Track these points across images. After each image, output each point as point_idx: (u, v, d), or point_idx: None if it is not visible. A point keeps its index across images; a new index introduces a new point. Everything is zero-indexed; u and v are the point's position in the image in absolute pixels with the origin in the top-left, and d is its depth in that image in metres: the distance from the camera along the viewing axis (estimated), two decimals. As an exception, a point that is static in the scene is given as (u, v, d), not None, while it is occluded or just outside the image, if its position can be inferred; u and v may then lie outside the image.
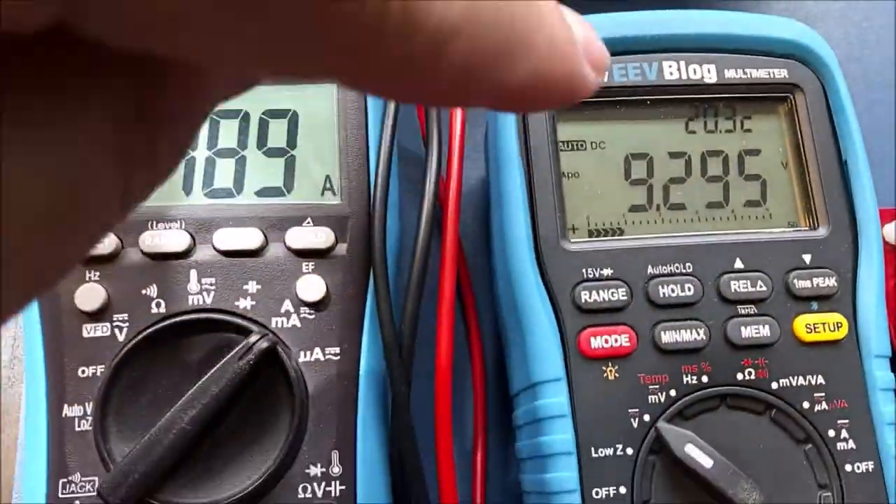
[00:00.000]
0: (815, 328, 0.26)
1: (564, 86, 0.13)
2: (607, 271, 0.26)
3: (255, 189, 0.26)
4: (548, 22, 0.13)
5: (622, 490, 0.25)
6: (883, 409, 0.26)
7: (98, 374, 0.24)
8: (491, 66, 0.12)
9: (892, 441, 0.26)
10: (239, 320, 0.25)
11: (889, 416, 0.26)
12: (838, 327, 0.27)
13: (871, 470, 0.26)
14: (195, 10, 0.09)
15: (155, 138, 0.12)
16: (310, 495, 0.24)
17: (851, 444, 0.26)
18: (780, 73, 0.28)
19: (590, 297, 0.26)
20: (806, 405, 0.26)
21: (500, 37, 0.12)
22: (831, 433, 0.26)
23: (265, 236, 0.25)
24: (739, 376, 0.26)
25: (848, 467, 0.26)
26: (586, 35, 0.14)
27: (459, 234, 0.31)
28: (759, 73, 0.28)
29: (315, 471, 0.25)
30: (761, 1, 0.36)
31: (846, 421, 0.26)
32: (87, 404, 0.24)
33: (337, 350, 0.25)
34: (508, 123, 0.27)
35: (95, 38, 0.10)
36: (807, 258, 0.27)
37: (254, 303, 0.25)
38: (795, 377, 0.26)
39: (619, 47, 0.27)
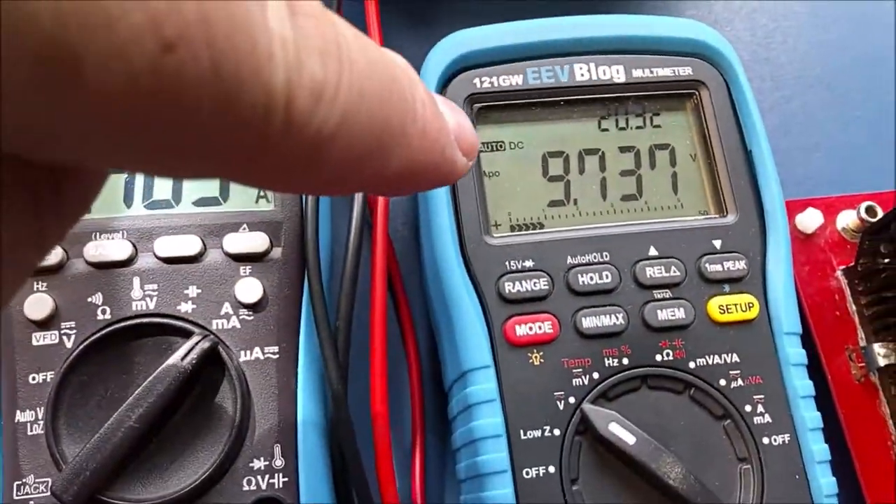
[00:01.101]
0: (727, 309, 0.28)
1: (436, 172, 0.15)
2: (529, 263, 0.27)
3: (193, 199, 0.28)
4: (420, 115, 0.14)
5: (551, 469, 0.26)
6: (796, 384, 0.28)
7: (48, 380, 0.26)
8: (367, 161, 0.13)
9: (806, 414, 0.28)
10: (181, 323, 0.26)
11: (802, 389, 0.28)
12: (750, 307, 0.28)
13: (787, 441, 0.27)
14: (97, 133, 0.11)
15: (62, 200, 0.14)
16: (254, 487, 0.26)
17: (767, 418, 0.28)
18: (685, 71, 0.30)
19: (513, 288, 0.27)
20: (723, 382, 0.28)
21: (375, 136, 0.13)
22: (748, 408, 0.28)
23: (203, 243, 0.27)
24: (658, 357, 0.27)
25: (765, 440, 0.27)
26: (458, 122, 0.16)
27: (390, 236, 0.32)
28: (665, 72, 0.30)
29: (258, 464, 0.26)
30: (670, 1, 0.38)
31: (761, 396, 0.28)
32: (38, 409, 0.26)
33: (276, 349, 0.27)
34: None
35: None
36: (717, 244, 0.29)
37: (195, 306, 0.26)
38: (711, 356, 0.28)
39: (532, 52, 0.29)
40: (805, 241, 0.34)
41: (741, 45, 0.39)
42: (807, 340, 0.32)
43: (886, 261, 0.32)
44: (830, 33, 0.40)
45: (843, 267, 0.34)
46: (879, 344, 0.32)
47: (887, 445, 0.32)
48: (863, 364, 0.33)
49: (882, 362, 0.32)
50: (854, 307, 0.34)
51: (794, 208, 0.34)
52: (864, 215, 0.34)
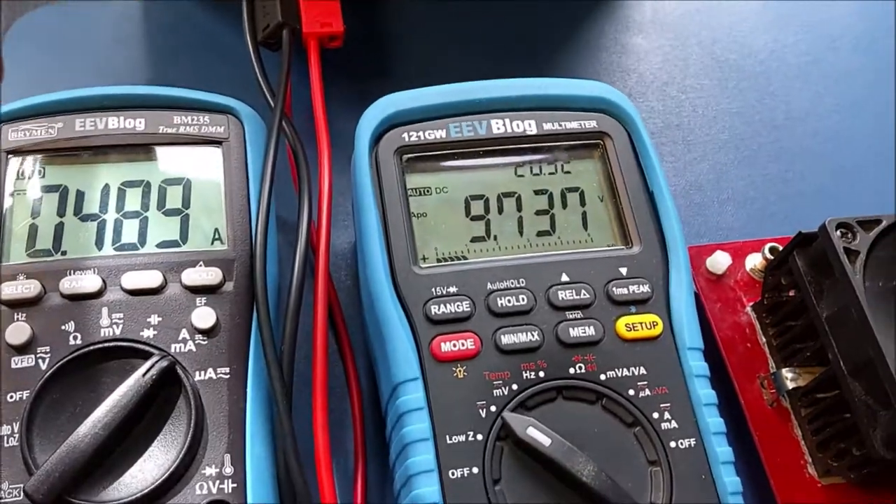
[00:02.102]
0: (634, 327, 0.31)
1: None
2: (453, 289, 0.31)
3: (156, 242, 0.32)
4: None
5: (475, 470, 0.29)
6: (700, 393, 0.31)
7: (24, 397, 0.29)
8: None
9: (710, 419, 0.31)
10: (143, 346, 0.30)
11: (705, 398, 0.31)
12: (654, 325, 0.32)
13: (693, 445, 0.30)
14: None
15: None
16: (206, 491, 0.29)
17: (674, 424, 0.31)
18: (591, 124, 0.34)
19: (438, 310, 0.31)
20: (632, 392, 0.31)
21: None
22: (655, 416, 0.31)
23: (164, 277, 0.31)
24: (572, 370, 0.31)
25: (672, 444, 0.30)
26: None
27: (335, 284, 0.36)
28: (573, 125, 0.34)
29: (210, 471, 0.29)
30: (588, 81, 0.42)
31: (668, 404, 0.31)
32: (14, 424, 0.29)
33: (227, 370, 0.30)
34: (365, 179, 0.32)
35: None
36: (623, 270, 0.32)
37: (156, 332, 0.30)
38: (621, 369, 0.31)
39: (453, 110, 0.33)
40: (717, 281, 0.38)
41: (655, 115, 0.44)
42: (721, 373, 0.36)
43: (789, 292, 0.36)
44: (735, 103, 0.45)
45: (752, 303, 0.38)
46: (787, 369, 0.35)
47: (800, 465, 0.35)
48: (773, 389, 0.36)
49: (790, 385, 0.35)
50: (763, 339, 0.37)
51: (705, 252, 0.38)
52: (767, 255, 0.38)
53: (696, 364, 0.31)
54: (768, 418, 0.35)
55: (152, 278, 0.30)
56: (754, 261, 0.38)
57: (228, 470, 0.29)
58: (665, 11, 0.48)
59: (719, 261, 0.38)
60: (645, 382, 0.31)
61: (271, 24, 0.37)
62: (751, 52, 0.47)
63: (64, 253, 0.31)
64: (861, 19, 0.49)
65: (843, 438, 0.33)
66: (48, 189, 0.32)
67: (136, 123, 0.33)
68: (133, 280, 0.30)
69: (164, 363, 0.29)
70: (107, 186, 0.32)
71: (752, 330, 0.37)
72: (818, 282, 0.34)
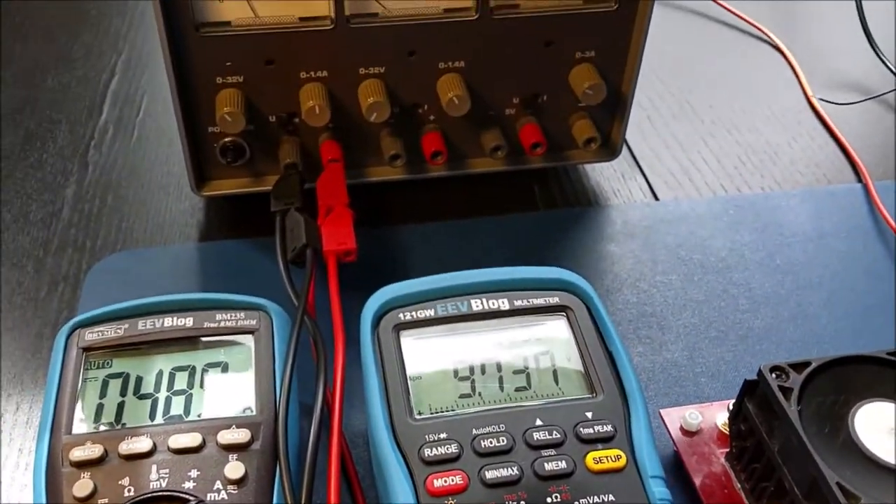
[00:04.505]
0: (601, 460, 0.36)
1: None
2: (443, 435, 0.37)
3: (198, 412, 0.38)
4: None
5: (467, 588, 0.33)
6: (663, 516, 0.36)
7: (84, 542, 0.35)
8: None
9: (674, 538, 0.35)
10: (184, 495, 0.35)
11: (668, 519, 0.36)
12: (619, 458, 0.37)
13: (661, 565, 0.35)
14: None
15: None
16: None
17: (642, 544, 0.35)
18: (554, 300, 0.41)
19: (431, 453, 0.36)
20: (603, 517, 0.35)
21: None
22: (625, 536, 0.35)
23: (203, 439, 0.37)
24: (549, 500, 0.35)
25: (641, 561, 0.34)
26: None
27: (349, 442, 0.42)
28: (539, 301, 0.41)
29: None
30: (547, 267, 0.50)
31: (636, 526, 0.35)
32: (78, 564, 0.34)
33: (255, 514, 0.36)
34: (369, 351, 0.39)
35: None
36: (589, 414, 0.38)
37: (195, 483, 0.36)
38: (592, 497, 0.36)
39: (438, 294, 0.41)
40: (692, 437, 0.43)
41: (630, 306, 0.50)
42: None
43: (749, 438, 0.41)
44: (701, 293, 0.51)
45: (724, 454, 0.42)
46: (759, 507, 0.39)
47: None
48: (751, 528, 0.39)
49: (763, 521, 0.39)
50: (738, 485, 0.41)
51: (681, 413, 0.44)
52: (730, 408, 0.43)
53: (658, 490, 0.36)
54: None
55: (194, 439, 0.37)
56: (723, 417, 0.43)
57: None
58: (633, 223, 0.56)
59: (692, 418, 0.43)
60: (614, 508, 0.36)
61: (297, 245, 0.46)
62: (711, 252, 0.54)
63: (123, 424, 0.38)
64: (808, 219, 0.57)
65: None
66: (113, 376, 0.40)
67: (186, 321, 0.41)
68: (178, 442, 0.37)
69: (201, 508, 0.35)
70: (160, 372, 0.40)
71: (727, 478, 0.42)
72: (768, 422, 0.39)
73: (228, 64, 0.50)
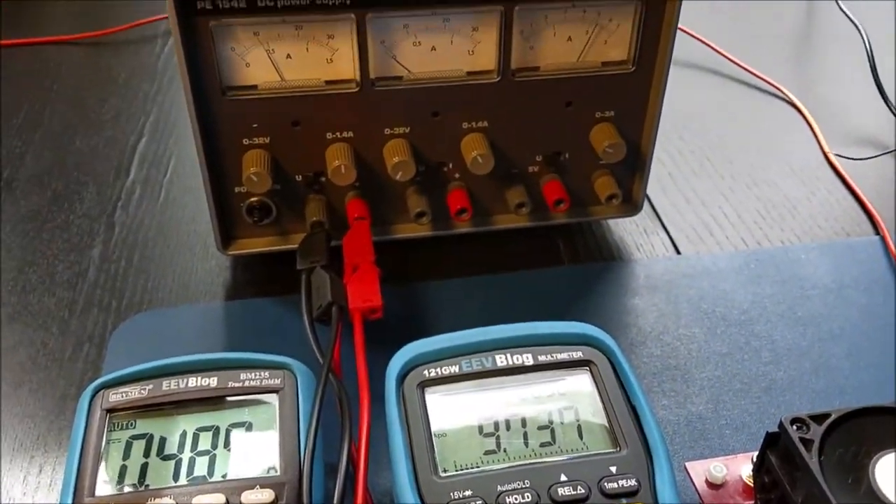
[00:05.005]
0: (624, 514, 0.36)
1: None
2: (468, 492, 0.37)
3: (222, 473, 0.38)
4: None
5: None
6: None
7: None
8: None
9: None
10: (209, 552, 0.36)
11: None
12: (645, 513, 0.37)
13: None
14: None
15: None
16: None
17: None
18: (577, 354, 0.41)
19: (457, 509, 0.36)
20: (630, 567, 0.35)
21: None
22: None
23: (227, 499, 0.37)
24: (575, 552, 0.35)
25: None
26: None
27: (369, 490, 0.42)
28: (563, 356, 0.41)
29: None
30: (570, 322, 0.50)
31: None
32: None
33: (280, 571, 0.36)
34: (394, 408, 0.39)
35: None
36: (613, 469, 0.38)
37: (219, 539, 0.36)
38: (618, 547, 0.36)
39: (462, 351, 0.41)
40: (717, 489, 0.43)
41: (654, 359, 0.50)
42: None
43: (773, 491, 0.40)
44: (724, 345, 0.51)
45: (750, 506, 0.42)
46: (785, 560, 0.39)
47: None
48: (779, 583, 0.39)
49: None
50: (766, 537, 0.41)
51: (705, 465, 0.43)
52: (753, 460, 0.42)
53: (683, 540, 0.36)
54: None
55: (218, 500, 0.37)
56: (748, 469, 0.43)
57: None
58: (656, 277, 0.56)
59: (717, 471, 0.43)
60: (642, 556, 0.35)
61: (323, 303, 0.47)
62: (734, 305, 0.54)
63: (147, 486, 0.38)
64: (828, 272, 0.57)
65: None
66: (137, 437, 0.40)
67: (210, 381, 0.41)
68: (202, 502, 0.37)
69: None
70: (184, 432, 0.40)
71: (754, 531, 0.41)
72: (791, 473, 0.39)
73: (255, 126, 0.51)
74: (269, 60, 0.50)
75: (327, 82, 0.51)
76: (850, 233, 0.61)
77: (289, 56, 0.50)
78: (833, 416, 0.38)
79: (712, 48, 0.81)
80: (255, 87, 0.50)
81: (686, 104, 0.74)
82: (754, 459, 0.42)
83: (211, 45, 0.48)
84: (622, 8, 0.51)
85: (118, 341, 0.51)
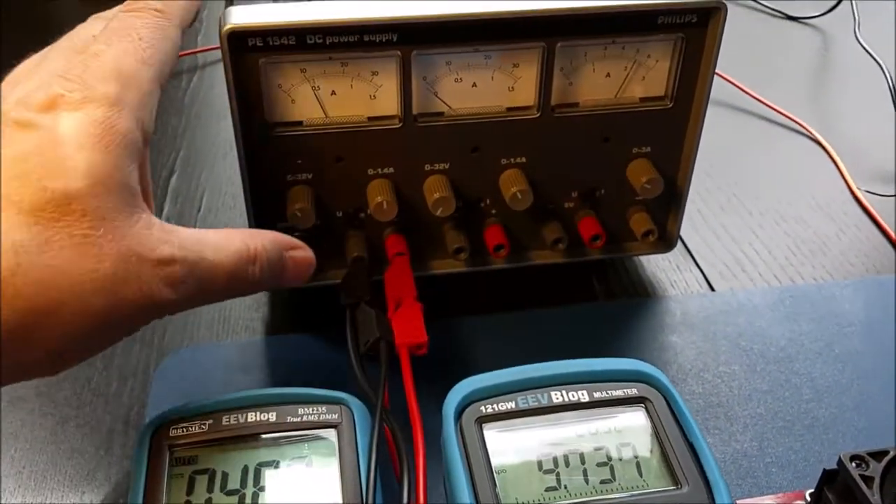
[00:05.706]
0: (690, 551, 0.37)
1: None
2: (532, 529, 0.37)
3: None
4: None
5: None
6: None
7: None
8: None
9: None
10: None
11: None
12: (707, 549, 0.37)
13: None
14: None
15: None
16: None
17: None
18: (632, 391, 0.42)
19: (523, 546, 0.36)
20: None
21: None
22: None
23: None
24: None
25: None
26: None
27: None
28: (618, 392, 0.42)
29: None
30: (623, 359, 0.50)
31: None
32: None
33: None
34: (453, 445, 0.39)
35: None
36: (675, 507, 0.38)
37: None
38: (684, 590, 0.36)
39: (518, 387, 0.41)
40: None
41: (696, 396, 0.51)
42: None
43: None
44: (765, 383, 0.52)
45: (807, 543, 0.42)
46: None
47: None
48: None
49: None
50: (823, 575, 0.41)
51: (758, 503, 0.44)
52: (808, 498, 0.43)
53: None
54: None
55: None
56: (801, 508, 0.43)
57: None
58: (692, 314, 0.57)
59: (769, 510, 0.43)
60: None
61: (371, 339, 0.47)
62: (772, 342, 0.55)
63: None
64: (863, 308, 0.57)
65: None
66: (199, 472, 0.40)
67: (269, 416, 0.41)
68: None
69: None
70: (246, 467, 0.40)
71: (810, 568, 0.42)
72: (850, 511, 0.39)
73: (299, 161, 0.51)
74: (314, 97, 0.50)
75: (370, 118, 0.51)
76: (881, 269, 0.62)
77: (333, 93, 0.50)
78: (892, 453, 0.39)
79: (734, 84, 0.82)
80: (300, 122, 0.51)
81: (710, 140, 0.74)
82: (808, 497, 0.43)
83: (259, 81, 0.49)
84: (661, 44, 0.52)
85: (162, 376, 0.51)
